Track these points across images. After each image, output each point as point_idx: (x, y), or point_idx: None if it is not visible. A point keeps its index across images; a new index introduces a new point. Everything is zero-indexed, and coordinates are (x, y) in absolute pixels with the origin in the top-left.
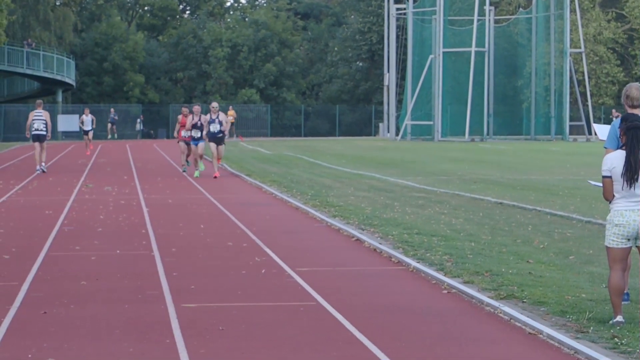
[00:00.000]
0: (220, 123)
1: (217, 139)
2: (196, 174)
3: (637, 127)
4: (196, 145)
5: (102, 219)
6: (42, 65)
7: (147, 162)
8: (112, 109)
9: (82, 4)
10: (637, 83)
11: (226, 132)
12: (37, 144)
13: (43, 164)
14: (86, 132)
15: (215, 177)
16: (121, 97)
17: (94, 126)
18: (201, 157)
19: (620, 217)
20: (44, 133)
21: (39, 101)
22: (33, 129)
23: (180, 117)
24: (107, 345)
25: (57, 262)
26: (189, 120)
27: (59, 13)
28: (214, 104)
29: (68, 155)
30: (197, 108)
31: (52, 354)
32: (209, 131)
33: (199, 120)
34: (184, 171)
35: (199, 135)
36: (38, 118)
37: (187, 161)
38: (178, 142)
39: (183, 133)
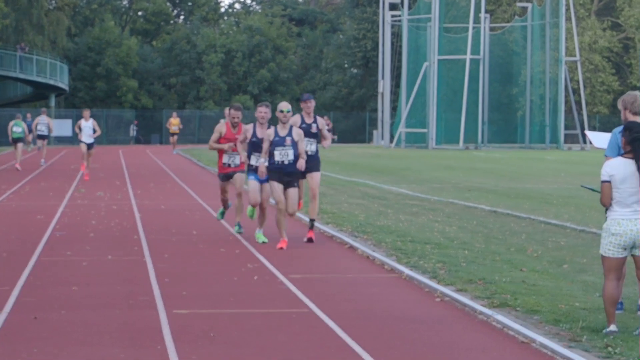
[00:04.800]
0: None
1: (290, 174)
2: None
3: None
4: (262, 182)
5: (94, 224)
6: (35, 69)
7: (140, 167)
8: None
9: (76, 9)
10: (638, 92)
11: (302, 156)
12: (39, 141)
13: (44, 159)
14: (88, 146)
15: (280, 247)
16: (114, 102)
17: (98, 133)
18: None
19: (617, 226)
20: (46, 134)
21: (43, 109)
22: (37, 131)
23: (221, 124)
24: (98, 351)
25: (48, 268)
26: (244, 133)
27: (53, 17)
28: (284, 105)
29: (60, 161)
30: (264, 112)
31: (42, 359)
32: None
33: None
34: (239, 231)
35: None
36: (42, 122)
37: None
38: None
39: (225, 159)
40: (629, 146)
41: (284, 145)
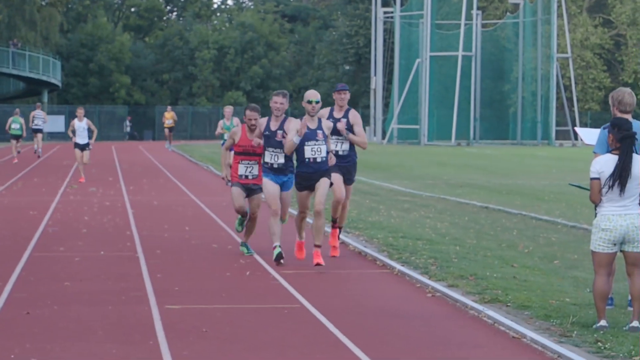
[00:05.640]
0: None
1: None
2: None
3: (631, 135)
4: (285, 190)
5: (87, 220)
6: (28, 65)
7: (132, 163)
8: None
9: (69, 5)
10: (628, 88)
11: (330, 159)
12: (36, 134)
13: (40, 149)
14: (82, 147)
15: (317, 264)
16: (107, 98)
17: (95, 134)
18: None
19: (607, 222)
20: (41, 128)
21: (38, 103)
22: (33, 125)
23: (237, 128)
24: (91, 347)
25: (41, 263)
26: (258, 128)
27: (45, 13)
28: (312, 94)
29: (53, 157)
30: (279, 102)
31: (35, 354)
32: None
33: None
34: (245, 250)
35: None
36: (38, 116)
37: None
38: (228, 183)
39: (241, 169)
40: (617, 143)
41: (316, 140)
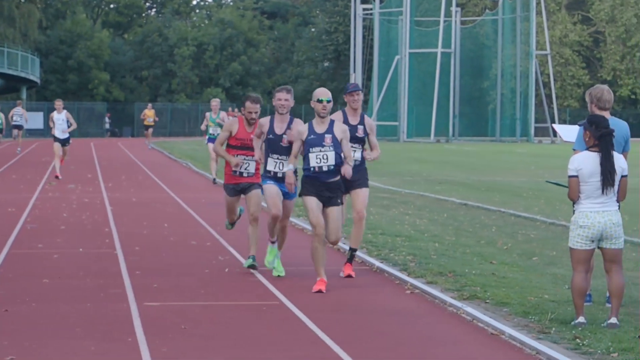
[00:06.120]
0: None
1: (331, 187)
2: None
3: (609, 133)
4: (291, 199)
5: (66, 217)
6: (7, 62)
7: (111, 160)
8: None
9: (47, 1)
10: (606, 85)
11: (348, 160)
12: (15, 131)
13: (19, 148)
14: (62, 142)
15: (319, 290)
16: (86, 95)
17: (74, 127)
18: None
19: (585, 219)
20: (21, 124)
21: (19, 101)
22: (13, 122)
23: (233, 120)
24: (69, 344)
25: (19, 260)
26: (260, 127)
27: (24, 10)
28: (322, 93)
29: (32, 153)
30: (284, 98)
31: (13, 352)
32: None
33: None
34: (252, 264)
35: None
36: (17, 113)
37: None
38: (215, 182)
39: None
40: (594, 140)
41: (322, 146)
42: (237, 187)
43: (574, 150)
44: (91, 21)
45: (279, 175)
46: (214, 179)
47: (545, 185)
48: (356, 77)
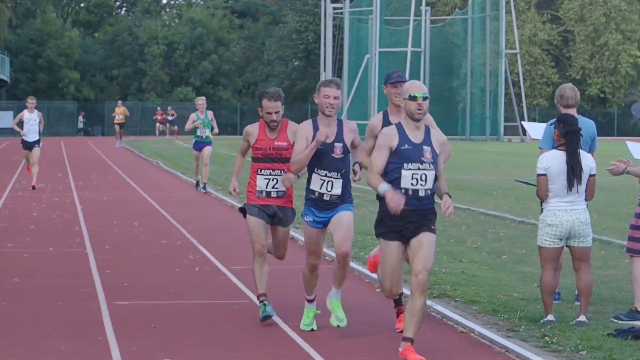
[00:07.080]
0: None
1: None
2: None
3: (576, 130)
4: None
5: (36, 216)
6: None
7: (81, 159)
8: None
9: (17, 0)
10: (570, 83)
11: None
12: None
13: None
14: (30, 146)
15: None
16: (56, 94)
17: (42, 128)
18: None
19: (554, 217)
20: None
21: None
22: None
23: (253, 127)
24: (40, 342)
25: None
26: (306, 135)
27: None
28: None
29: (1, 152)
30: (333, 95)
31: None
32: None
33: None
34: (266, 313)
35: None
36: None
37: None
38: (245, 211)
39: (261, 183)
40: (562, 138)
41: (422, 162)
42: (266, 209)
43: (540, 148)
44: (61, 20)
45: (326, 198)
46: (197, 182)
47: (515, 184)
48: (326, 75)
